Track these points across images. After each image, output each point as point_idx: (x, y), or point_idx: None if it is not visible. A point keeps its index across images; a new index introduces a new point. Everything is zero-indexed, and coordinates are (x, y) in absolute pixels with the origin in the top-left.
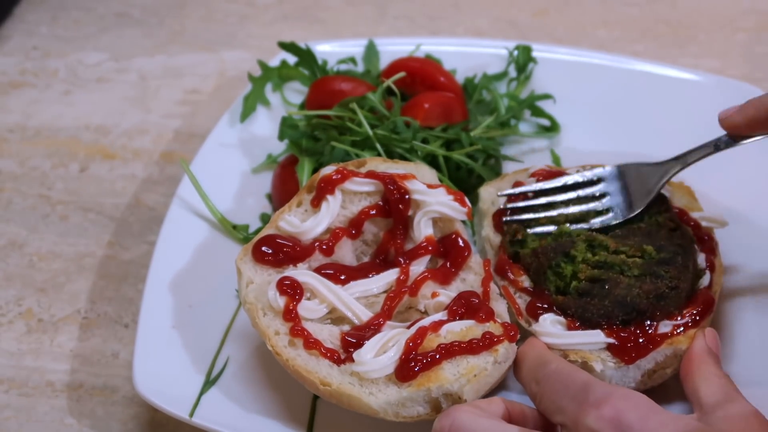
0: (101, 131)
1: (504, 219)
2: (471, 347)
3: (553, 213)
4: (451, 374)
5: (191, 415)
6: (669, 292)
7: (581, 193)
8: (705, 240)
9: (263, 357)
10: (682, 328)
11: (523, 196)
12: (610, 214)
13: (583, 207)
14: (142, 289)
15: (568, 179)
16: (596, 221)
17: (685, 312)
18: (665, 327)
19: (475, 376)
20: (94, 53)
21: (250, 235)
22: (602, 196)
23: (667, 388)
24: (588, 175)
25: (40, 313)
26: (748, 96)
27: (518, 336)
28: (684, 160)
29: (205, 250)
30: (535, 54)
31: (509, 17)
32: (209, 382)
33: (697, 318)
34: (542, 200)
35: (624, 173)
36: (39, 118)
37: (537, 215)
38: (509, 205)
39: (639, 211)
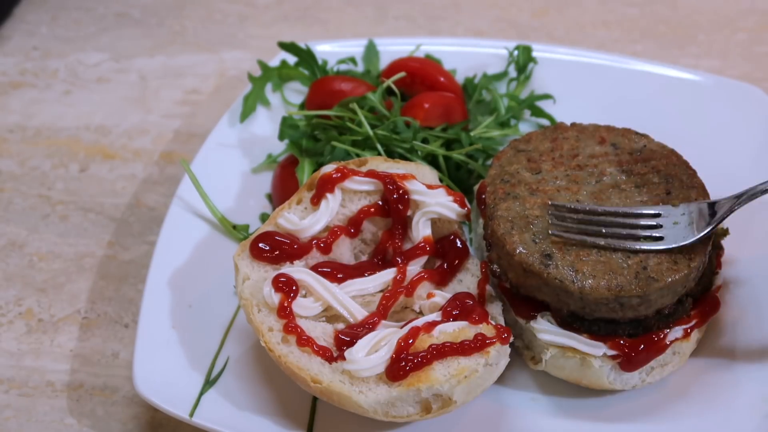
0: (101, 131)
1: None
2: (462, 348)
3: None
4: (441, 375)
5: (191, 415)
6: (677, 307)
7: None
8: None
9: (263, 357)
10: (688, 330)
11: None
12: (662, 242)
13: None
14: (142, 289)
15: (627, 209)
16: (644, 246)
17: (693, 314)
18: (675, 333)
19: (465, 377)
20: (94, 53)
21: (249, 235)
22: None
23: (666, 387)
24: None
25: (40, 313)
26: (748, 96)
27: (511, 338)
28: (747, 194)
29: (206, 250)
30: (535, 54)
31: (509, 17)
32: (209, 382)
33: (702, 319)
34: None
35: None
36: (39, 118)
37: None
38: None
39: (692, 241)
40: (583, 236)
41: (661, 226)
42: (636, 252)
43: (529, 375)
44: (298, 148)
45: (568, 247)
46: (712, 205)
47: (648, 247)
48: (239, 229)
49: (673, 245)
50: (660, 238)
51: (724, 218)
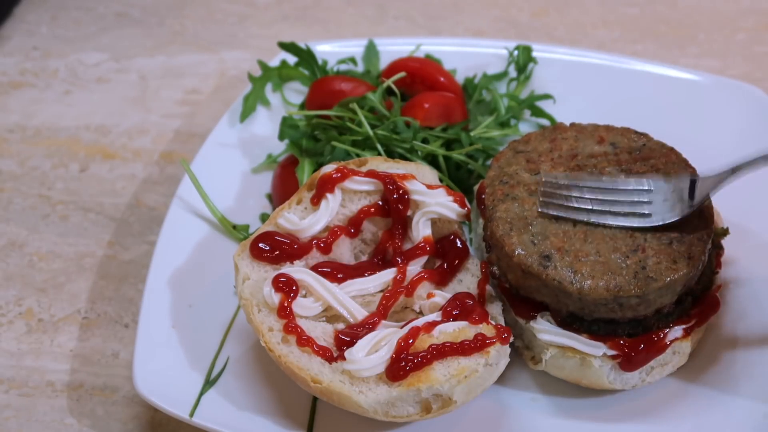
0: (101, 131)
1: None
2: (462, 348)
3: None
4: (441, 375)
5: (191, 415)
6: (676, 307)
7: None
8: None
9: (263, 357)
10: (687, 330)
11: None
12: (650, 218)
13: (624, 208)
14: (142, 289)
15: (617, 183)
16: (634, 222)
17: (692, 313)
18: (675, 332)
19: (465, 377)
20: (94, 53)
21: (250, 235)
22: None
23: (666, 387)
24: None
25: (40, 313)
26: (748, 96)
27: (511, 338)
28: (736, 170)
29: (205, 250)
30: (535, 54)
31: (509, 17)
32: (209, 382)
33: (702, 318)
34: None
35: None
36: (39, 118)
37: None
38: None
39: (680, 217)
40: (569, 212)
41: (650, 203)
42: (621, 229)
43: (529, 375)
44: (298, 148)
45: (567, 248)
46: (696, 181)
47: (634, 224)
48: (239, 229)
49: (660, 222)
50: (648, 215)
51: (709, 194)
